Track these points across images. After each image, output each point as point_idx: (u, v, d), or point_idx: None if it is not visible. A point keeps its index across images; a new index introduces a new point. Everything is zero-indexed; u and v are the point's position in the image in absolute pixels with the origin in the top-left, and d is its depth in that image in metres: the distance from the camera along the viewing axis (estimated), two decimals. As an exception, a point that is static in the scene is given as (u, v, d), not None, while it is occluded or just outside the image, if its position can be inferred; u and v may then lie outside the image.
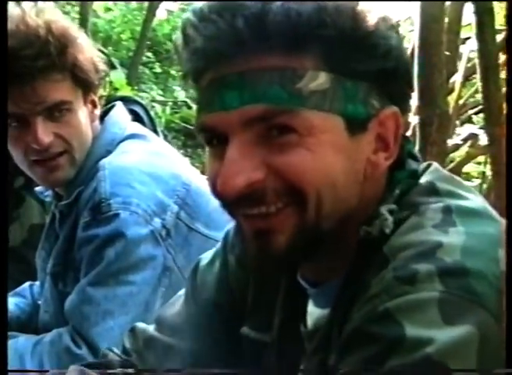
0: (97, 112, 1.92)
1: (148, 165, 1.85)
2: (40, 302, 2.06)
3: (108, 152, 1.90)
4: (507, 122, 2.11)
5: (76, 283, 1.84)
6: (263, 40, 0.98)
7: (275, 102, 0.98)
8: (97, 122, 1.94)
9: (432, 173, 1.11)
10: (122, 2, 8.92)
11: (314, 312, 1.16)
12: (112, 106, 2.00)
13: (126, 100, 2.10)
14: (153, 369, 1.34)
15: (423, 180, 1.10)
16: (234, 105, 1.00)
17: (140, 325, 1.45)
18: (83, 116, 1.85)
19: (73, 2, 7.90)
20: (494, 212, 1.08)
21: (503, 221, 1.07)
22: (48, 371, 1.42)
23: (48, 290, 1.96)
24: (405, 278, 0.94)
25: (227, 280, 1.32)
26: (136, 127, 2.00)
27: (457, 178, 1.14)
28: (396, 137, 1.06)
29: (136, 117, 2.07)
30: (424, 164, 1.14)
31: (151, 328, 1.42)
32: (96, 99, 1.91)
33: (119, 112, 1.99)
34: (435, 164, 1.15)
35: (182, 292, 1.42)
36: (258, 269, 1.21)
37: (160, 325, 1.41)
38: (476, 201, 1.08)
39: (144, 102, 2.22)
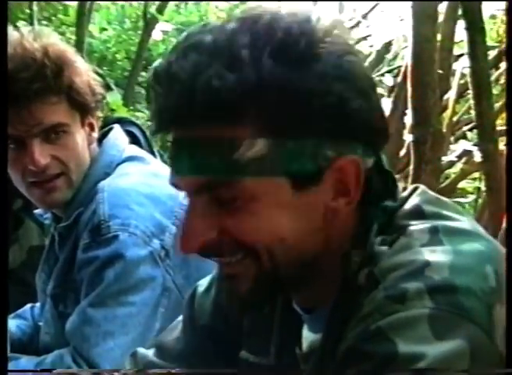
0: (95, 134, 1.94)
1: (146, 186, 1.87)
2: (40, 324, 2.07)
3: (107, 175, 1.92)
4: (507, 122, 2.14)
5: (76, 304, 1.85)
6: (194, 113, 0.99)
7: (215, 174, 1.01)
8: (95, 144, 1.96)
9: (418, 195, 1.12)
10: (117, 19, 8.96)
11: (308, 337, 1.17)
12: (110, 129, 2.01)
13: (122, 121, 2.11)
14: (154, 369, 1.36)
15: (409, 203, 1.11)
16: (183, 173, 1.04)
17: (141, 350, 1.46)
18: (80, 138, 1.87)
19: (69, 23, 7.93)
20: (482, 231, 1.10)
21: (492, 239, 1.09)
22: (48, 371, 1.43)
23: (49, 311, 1.97)
24: (395, 297, 0.97)
25: (223, 308, 1.33)
26: (134, 149, 2.02)
27: (445, 200, 1.16)
28: (358, 182, 1.05)
29: (133, 138, 2.09)
30: (411, 187, 1.15)
31: (150, 353, 1.43)
32: (94, 122, 1.92)
33: (117, 134, 2.01)
34: (422, 187, 1.15)
35: (179, 319, 1.43)
36: (229, 307, 1.23)
37: (159, 350, 1.42)
38: (463, 221, 1.10)
39: (140, 123, 2.24)
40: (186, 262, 1.84)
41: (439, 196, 1.16)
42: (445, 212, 1.10)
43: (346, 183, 1.05)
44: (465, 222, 1.10)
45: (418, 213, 1.09)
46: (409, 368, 0.90)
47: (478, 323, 0.94)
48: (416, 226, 1.07)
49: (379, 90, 3.81)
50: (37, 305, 2.17)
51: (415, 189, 1.14)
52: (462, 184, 3.82)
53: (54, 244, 1.97)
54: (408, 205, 1.11)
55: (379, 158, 1.10)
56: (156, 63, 1.06)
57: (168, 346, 1.40)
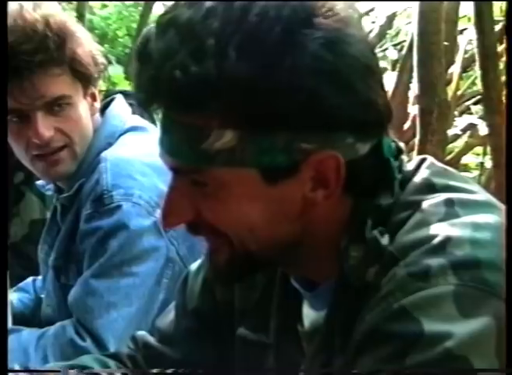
0: (97, 105, 1.92)
1: (149, 156, 1.85)
2: (42, 296, 2.06)
3: (109, 145, 1.90)
4: (507, 120, 2.12)
5: (78, 276, 1.84)
6: (160, 99, 0.99)
7: (184, 160, 1.01)
8: (97, 115, 1.94)
9: (427, 168, 1.09)
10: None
11: (310, 314, 1.15)
12: (112, 99, 1.99)
13: (124, 94, 2.09)
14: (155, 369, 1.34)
15: (418, 176, 1.08)
16: (163, 151, 1.04)
17: (140, 332, 1.44)
18: (83, 109, 1.85)
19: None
20: (494, 200, 1.08)
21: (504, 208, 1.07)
22: (49, 371, 1.42)
23: (51, 283, 1.96)
24: (418, 274, 0.95)
25: (211, 289, 1.31)
26: (137, 120, 2.00)
27: (453, 171, 1.13)
28: (338, 175, 1.00)
29: (135, 110, 2.07)
30: (418, 159, 1.12)
31: (149, 336, 1.41)
32: (96, 92, 1.91)
33: (120, 104, 1.99)
34: (430, 158, 1.12)
35: (174, 303, 1.41)
36: (213, 281, 1.24)
37: (154, 333, 1.41)
38: (475, 191, 1.07)
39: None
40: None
41: (447, 167, 1.14)
42: (456, 184, 1.08)
43: (325, 175, 1.01)
44: (478, 193, 1.07)
45: (429, 187, 1.07)
46: (436, 347, 0.89)
47: (502, 297, 0.93)
48: (429, 200, 1.04)
49: (382, 64, 3.78)
50: (39, 278, 2.16)
51: (422, 161, 1.11)
52: (465, 160, 3.81)
53: (56, 215, 1.96)
54: (417, 179, 1.08)
55: (379, 143, 1.05)
56: (144, 32, 1.03)
57: (162, 329, 1.39)
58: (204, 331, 1.33)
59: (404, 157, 1.10)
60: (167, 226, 1.10)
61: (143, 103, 1.03)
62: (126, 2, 8.90)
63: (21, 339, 1.79)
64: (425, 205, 1.04)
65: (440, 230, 0.99)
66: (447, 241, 0.97)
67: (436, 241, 0.97)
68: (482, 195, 1.07)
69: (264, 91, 0.95)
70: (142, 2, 7.08)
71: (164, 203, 1.06)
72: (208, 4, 0.97)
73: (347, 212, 1.06)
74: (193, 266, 1.37)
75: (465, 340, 0.89)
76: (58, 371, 1.35)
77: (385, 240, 1.02)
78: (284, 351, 1.19)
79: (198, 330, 1.33)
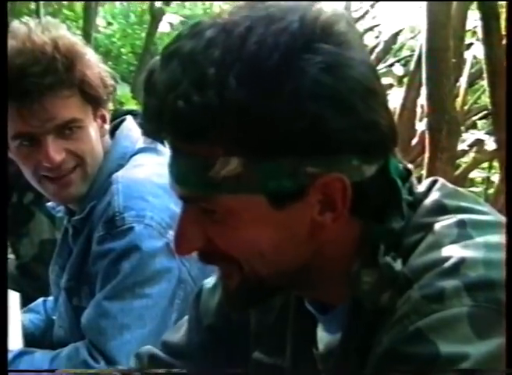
0: (107, 126, 1.92)
1: (160, 177, 1.85)
2: (54, 317, 2.06)
3: (120, 166, 1.90)
4: (507, 123, 2.12)
5: (90, 297, 1.84)
6: (164, 129, 1.00)
7: (191, 189, 1.01)
8: (107, 136, 1.94)
9: (438, 190, 1.10)
10: (122, 14, 8.95)
11: (324, 337, 1.15)
12: (123, 120, 1.99)
13: (133, 114, 2.10)
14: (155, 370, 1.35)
15: (430, 198, 1.08)
16: (172, 180, 1.05)
17: (146, 346, 1.45)
18: (93, 131, 1.85)
19: (73, 18, 7.92)
20: (504, 220, 1.07)
21: None
22: (51, 371, 1.43)
23: (63, 305, 1.96)
24: (432, 296, 0.95)
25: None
26: (147, 140, 2.00)
27: (464, 191, 1.14)
28: (344, 197, 1.01)
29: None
30: (429, 181, 1.12)
31: (155, 349, 1.42)
32: (106, 114, 1.91)
33: (130, 126, 1.98)
34: (441, 180, 1.12)
35: (186, 318, 1.42)
36: (225, 304, 1.23)
37: (164, 348, 1.41)
38: (487, 212, 1.07)
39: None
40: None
41: (458, 188, 1.14)
42: (467, 205, 1.08)
43: (332, 198, 1.01)
44: (489, 213, 1.07)
45: (440, 208, 1.07)
46: (452, 369, 0.89)
47: None
48: (441, 222, 1.04)
49: (388, 80, 3.78)
50: (50, 298, 2.16)
51: (434, 183, 1.11)
52: (472, 174, 3.81)
53: (67, 237, 1.96)
54: (428, 201, 1.08)
55: (386, 164, 1.05)
56: (149, 63, 1.04)
57: (172, 344, 1.40)
58: (218, 348, 1.33)
59: (414, 179, 1.10)
60: (180, 253, 1.10)
61: (150, 133, 1.03)
62: (130, 20, 8.94)
63: (34, 361, 1.79)
64: (437, 226, 1.03)
65: (453, 252, 0.99)
66: (461, 262, 0.97)
67: (450, 262, 0.97)
68: (493, 216, 1.07)
69: (265, 117, 0.96)
70: (146, 20, 7.11)
71: (176, 231, 1.07)
72: (209, 34, 0.98)
73: (358, 235, 1.06)
74: (208, 281, 1.37)
75: (481, 361, 0.89)
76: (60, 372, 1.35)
77: (398, 265, 1.02)
78: (301, 372, 1.19)
79: (212, 347, 1.34)
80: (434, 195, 1.08)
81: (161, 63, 1.00)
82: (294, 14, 0.98)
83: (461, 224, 1.03)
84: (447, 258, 0.98)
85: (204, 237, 1.04)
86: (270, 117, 0.96)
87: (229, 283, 1.09)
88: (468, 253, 0.98)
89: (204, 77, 0.96)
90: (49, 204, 2.04)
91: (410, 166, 1.12)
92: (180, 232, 1.06)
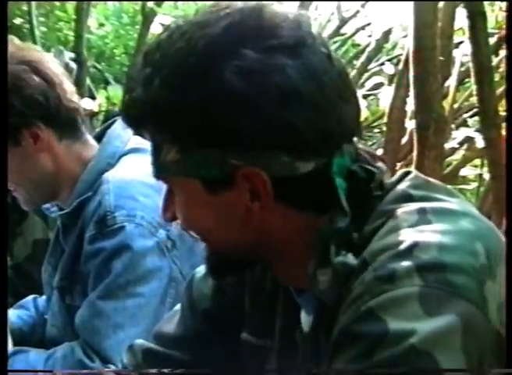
0: (45, 141, 1.87)
1: (150, 177, 1.86)
2: (46, 316, 2.08)
3: (109, 165, 1.92)
4: (507, 122, 2.14)
5: (83, 296, 1.86)
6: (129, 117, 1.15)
7: (155, 170, 1.16)
8: (89, 140, 1.95)
9: (408, 180, 1.14)
10: (114, 14, 8.94)
11: (304, 318, 1.19)
12: (115, 121, 2.01)
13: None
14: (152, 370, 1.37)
15: (397, 188, 1.13)
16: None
17: (139, 341, 1.48)
18: (17, 159, 1.81)
19: (66, 19, 7.92)
20: (473, 211, 1.12)
21: (484, 219, 1.12)
22: (49, 371, 1.44)
23: (56, 304, 1.98)
24: (384, 277, 0.99)
25: (223, 291, 1.36)
26: (139, 140, 2.01)
27: (436, 183, 1.17)
28: (265, 190, 1.08)
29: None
30: (402, 172, 1.17)
31: (148, 342, 1.45)
32: (36, 130, 1.84)
33: (121, 125, 1.99)
34: (414, 172, 1.17)
35: (177, 307, 1.45)
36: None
37: (158, 339, 1.44)
38: (454, 202, 1.11)
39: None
40: (192, 251, 1.84)
41: (431, 179, 1.17)
42: (434, 195, 1.12)
43: (256, 189, 1.09)
44: (455, 202, 1.11)
45: (406, 197, 1.11)
46: (400, 344, 0.93)
47: (469, 299, 0.97)
48: (403, 208, 1.08)
49: (379, 79, 3.81)
50: (41, 297, 2.18)
51: (406, 174, 1.16)
52: (464, 172, 3.82)
53: (59, 236, 1.98)
54: (395, 191, 1.12)
55: (330, 162, 1.09)
56: None
57: (166, 334, 1.43)
58: (214, 333, 1.37)
59: (384, 177, 1.14)
60: (164, 221, 1.23)
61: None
62: (123, 21, 8.93)
63: (29, 360, 1.81)
64: (399, 212, 1.08)
65: (409, 236, 1.03)
66: (414, 245, 1.01)
67: (404, 245, 1.02)
68: (459, 205, 1.11)
69: (182, 114, 1.07)
70: (139, 21, 7.11)
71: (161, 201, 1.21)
72: (162, 36, 1.11)
73: (309, 228, 1.12)
74: (199, 270, 1.42)
75: (428, 336, 0.93)
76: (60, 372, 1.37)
77: (351, 259, 1.06)
78: (285, 354, 1.23)
79: (208, 332, 1.38)
80: (402, 185, 1.13)
81: (135, 61, 1.15)
82: (225, 20, 1.07)
83: (422, 211, 1.07)
84: (402, 242, 1.02)
85: (172, 211, 1.18)
86: (186, 114, 1.06)
87: (205, 253, 1.20)
88: (423, 237, 1.02)
89: (142, 76, 1.09)
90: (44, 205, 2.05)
91: (382, 165, 1.16)
92: (161, 204, 1.21)
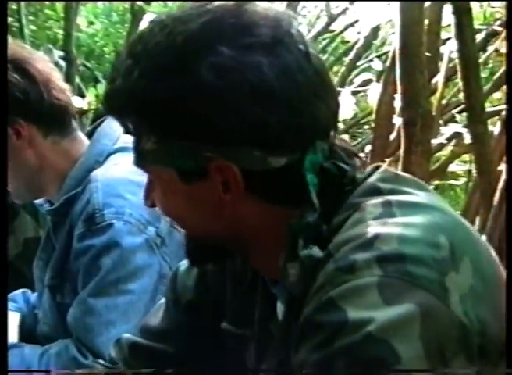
0: (27, 136, 1.89)
1: (139, 176, 1.86)
2: (37, 312, 2.09)
3: (97, 162, 1.93)
4: (507, 119, 2.15)
5: (73, 294, 1.88)
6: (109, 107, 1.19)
7: (135, 157, 1.18)
8: (79, 136, 1.97)
9: (377, 174, 1.16)
10: (104, 13, 8.93)
11: (279, 308, 1.22)
12: (105, 119, 2.01)
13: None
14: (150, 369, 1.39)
15: (366, 182, 1.15)
16: None
17: (125, 335, 1.50)
18: None
19: (55, 18, 7.91)
20: (442, 204, 1.14)
21: (452, 212, 1.14)
22: (48, 371, 1.45)
23: (47, 301, 1.99)
24: (345, 267, 1.02)
25: (205, 281, 1.38)
26: (128, 139, 2.02)
27: (406, 176, 1.20)
28: (236, 182, 1.11)
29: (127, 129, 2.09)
30: (372, 167, 1.19)
31: (135, 336, 1.47)
32: (18, 127, 1.86)
33: (111, 124, 2.00)
34: (384, 166, 1.19)
35: (162, 301, 1.47)
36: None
37: (143, 333, 1.46)
38: (422, 195, 1.13)
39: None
40: (182, 248, 1.85)
41: (401, 173, 1.21)
42: (402, 188, 1.14)
43: (227, 181, 1.12)
44: (422, 196, 1.13)
45: (374, 190, 1.13)
46: (358, 332, 0.95)
47: (428, 289, 0.98)
48: (369, 201, 1.11)
49: (367, 76, 3.82)
50: (29, 291, 2.20)
51: (376, 168, 1.18)
52: (453, 168, 3.84)
53: (50, 233, 1.99)
54: (364, 184, 1.14)
55: (302, 158, 1.12)
56: None
57: (151, 327, 1.45)
58: (198, 323, 1.40)
59: (356, 173, 1.16)
60: (145, 206, 1.26)
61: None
62: (113, 19, 8.93)
63: (24, 355, 1.83)
64: (364, 205, 1.10)
65: (371, 228, 1.05)
66: (376, 237, 1.03)
67: (365, 237, 1.04)
68: (426, 198, 1.13)
69: (157, 106, 1.10)
70: (129, 19, 7.11)
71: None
72: (145, 29, 1.15)
73: (281, 221, 1.14)
74: (182, 263, 1.44)
75: (386, 324, 0.95)
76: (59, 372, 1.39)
77: (317, 252, 1.08)
78: (263, 343, 1.26)
79: (191, 323, 1.40)
80: (371, 179, 1.15)
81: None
82: (205, 16, 1.10)
83: (387, 203, 1.09)
84: (365, 233, 1.05)
85: (153, 198, 1.22)
86: (162, 107, 1.09)
87: (183, 239, 1.25)
88: (385, 229, 1.04)
89: (123, 67, 1.12)
90: (37, 201, 2.07)
91: (356, 161, 1.19)
92: (144, 190, 1.24)
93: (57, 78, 1.93)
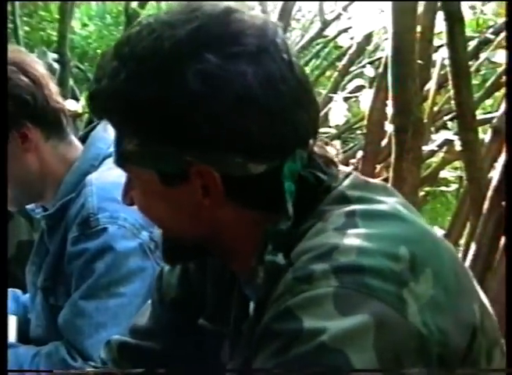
0: (33, 140, 1.91)
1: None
2: (30, 316, 2.10)
3: (92, 167, 1.95)
4: (507, 122, 2.17)
5: (66, 297, 1.89)
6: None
7: (116, 157, 1.21)
8: (73, 141, 1.98)
9: (347, 181, 1.18)
10: (98, 15, 8.94)
11: (251, 309, 1.22)
12: (99, 123, 2.03)
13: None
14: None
15: (336, 190, 1.17)
16: None
17: (115, 336, 1.53)
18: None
19: (49, 19, 7.92)
20: (407, 213, 1.15)
21: (417, 222, 1.15)
22: (49, 371, 1.47)
23: (40, 304, 2.00)
24: (303, 277, 1.04)
25: (188, 280, 1.41)
26: None
27: (376, 183, 1.22)
28: (216, 187, 1.13)
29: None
30: (343, 174, 1.20)
31: (124, 337, 1.50)
32: (24, 131, 1.88)
33: (105, 127, 2.01)
34: (354, 173, 1.21)
35: (149, 302, 1.50)
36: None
37: (132, 333, 1.49)
38: (387, 203, 1.15)
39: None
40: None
41: (371, 180, 1.22)
42: (370, 196, 1.16)
43: (207, 185, 1.14)
44: (388, 204, 1.15)
45: (341, 198, 1.15)
46: (312, 341, 0.96)
47: (384, 300, 1.00)
48: (334, 210, 1.13)
49: (359, 82, 3.84)
50: (19, 291, 2.21)
51: (347, 176, 1.20)
52: (444, 174, 3.85)
53: (44, 237, 2.00)
54: (333, 192, 1.16)
55: (281, 165, 1.14)
56: None
57: (139, 327, 1.48)
58: (181, 321, 1.43)
59: (332, 182, 1.18)
60: (123, 204, 1.29)
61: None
62: (106, 21, 8.93)
63: (17, 355, 1.84)
64: (328, 215, 1.12)
65: (331, 239, 1.07)
66: (334, 248, 1.05)
67: (324, 248, 1.06)
68: (394, 208, 1.14)
69: (141, 108, 1.11)
70: (122, 21, 7.12)
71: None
72: (132, 30, 1.16)
73: (257, 225, 1.17)
74: None
75: (339, 334, 0.96)
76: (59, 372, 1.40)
77: (280, 259, 1.10)
78: (235, 341, 1.28)
79: (175, 320, 1.43)
80: (340, 187, 1.17)
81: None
82: (193, 23, 1.11)
83: (350, 214, 1.11)
84: (323, 244, 1.06)
85: (131, 197, 1.25)
86: (147, 109, 1.11)
87: (160, 238, 1.28)
88: (345, 240, 1.06)
89: (109, 68, 1.13)
90: (28, 206, 2.08)
91: (334, 170, 1.21)
92: (122, 189, 1.27)
93: (52, 82, 1.95)
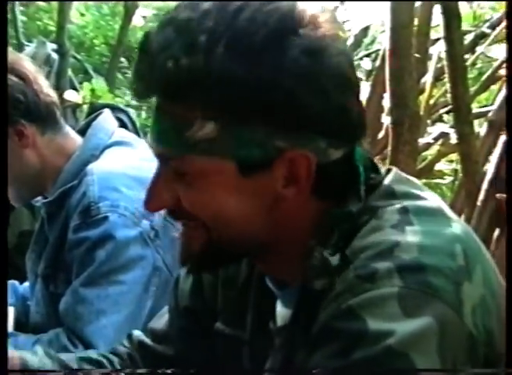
0: (29, 138, 1.92)
1: (134, 170, 1.92)
2: (30, 303, 2.12)
3: (93, 156, 1.96)
4: (507, 122, 2.19)
5: (67, 284, 1.90)
6: (151, 88, 1.08)
7: (168, 147, 1.09)
8: (72, 135, 1.99)
9: (391, 177, 1.16)
10: (95, 5, 8.93)
11: (281, 312, 1.21)
12: (100, 113, 2.05)
13: (110, 108, 2.15)
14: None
15: (383, 184, 1.14)
16: (151, 140, 1.12)
17: (136, 331, 1.51)
18: None
19: (46, 9, 7.92)
20: (449, 211, 1.14)
21: (460, 220, 1.15)
22: (51, 371, 1.48)
23: (40, 292, 2.02)
24: (366, 276, 1.01)
25: (201, 286, 1.38)
26: (123, 133, 2.07)
27: (415, 180, 1.20)
28: (308, 175, 1.07)
29: (122, 124, 2.13)
30: (385, 169, 1.18)
31: (144, 336, 1.48)
32: (20, 128, 1.89)
33: (107, 118, 2.05)
34: (395, 169, 1.19)
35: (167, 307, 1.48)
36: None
37: (149, 334, 1.47)
38: (432, 201, 1.14)
39: (128, 110, 2.29)
40: (175, 241, 1.89)
41: (408, 176, 1.20)
42: (415, 192, 1.14)
43: (297, 174, 1.07)
44: (435, 202, 1.14)
45: (389, 193, 1.13)
46: (378, 344, 0.95)
47: (446, 301, 0.99)
48: (387, 207, 1.10)
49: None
50: (16, 282, 2.22)
51: (388, 171, 1.18)
52: (439, 166, 3.88)
53: (44, 225, 2.02)
54: (381, 187, 1.14)
55: (352, 151, 1.12)
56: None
57: (156, 330, 1.46)
58: (195, 328, 1.39)
59: (379, 168, 1.17)
60: (148, 209, 1.16)
61: (139, 93, 1.10)
62: (103, 11, 8.93)
63: (17, 343, 1.85)
64: (381, 212, 1.10)
65: (390, 236, 1.05)
66: (395, 245, 1.03)
67: (385, 245, 1.03)
68: (438, 206, 1.13)
69: (244, 86, 1.03)
70: (119, 12, 7.12)
71: (148, 188, 1.13)
72: (205, 6, 1.06)
73: (316, 219, 1.12)
74: (183, 269, 1.42)
75: (406, 337, 0.95)
76: (60, 371, 1.41)
77: (334, 260, 1.07)
78: (258, 346, 1.25)
79: (190, 328, 1.40)
80: (386, 181, 1.14)
81: (157, 28, 1.08)
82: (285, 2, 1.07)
83: (404, 211, 1.09)
84: (383, 241, 1.04)
85: (174, 196, 1.11)
86: (248, 87, 1.02)
87: (192, 243, 1.15)
88: (404, 237, 1.04)
89: (195, 43, 1.03)
90: None
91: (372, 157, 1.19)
92: (151, 189, 1.13)
93: (41, 75, 1.97)
